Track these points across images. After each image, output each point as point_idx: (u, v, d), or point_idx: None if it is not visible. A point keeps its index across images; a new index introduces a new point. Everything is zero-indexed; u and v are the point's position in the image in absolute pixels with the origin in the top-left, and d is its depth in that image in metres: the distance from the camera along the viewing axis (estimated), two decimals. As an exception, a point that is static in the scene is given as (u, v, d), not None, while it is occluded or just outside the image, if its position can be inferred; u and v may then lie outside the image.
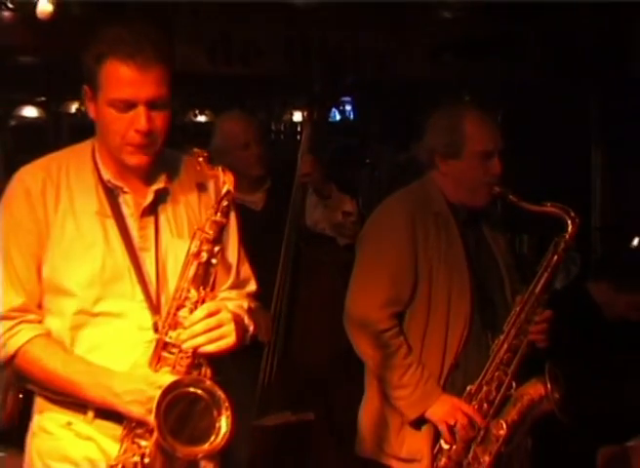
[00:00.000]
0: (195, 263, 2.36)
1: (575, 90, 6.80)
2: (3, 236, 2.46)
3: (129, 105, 2.36)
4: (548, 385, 3.14)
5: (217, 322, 2.35)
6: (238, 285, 2.65)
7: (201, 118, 8.37)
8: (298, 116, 8.36)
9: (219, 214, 2.37)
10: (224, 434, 2.29)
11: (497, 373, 3.19)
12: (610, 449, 3.89)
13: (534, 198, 3.23)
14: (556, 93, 6.72)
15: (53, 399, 2.48)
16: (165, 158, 2.52)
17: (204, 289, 2.37)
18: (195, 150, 2.43)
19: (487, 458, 3.17)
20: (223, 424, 2.29)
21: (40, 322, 2.46)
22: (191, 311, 2.35)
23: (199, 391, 2.31)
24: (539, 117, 6.65)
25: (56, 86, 7.05)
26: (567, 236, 3.19)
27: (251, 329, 2.59)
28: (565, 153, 7.00)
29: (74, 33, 5.58)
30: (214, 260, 2.36)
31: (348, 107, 8.49)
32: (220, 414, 2.30)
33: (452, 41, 6.53)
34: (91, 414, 2.43)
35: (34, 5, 5.47)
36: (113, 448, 2.39)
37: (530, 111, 6.46)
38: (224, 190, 2.37)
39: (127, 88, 2.34)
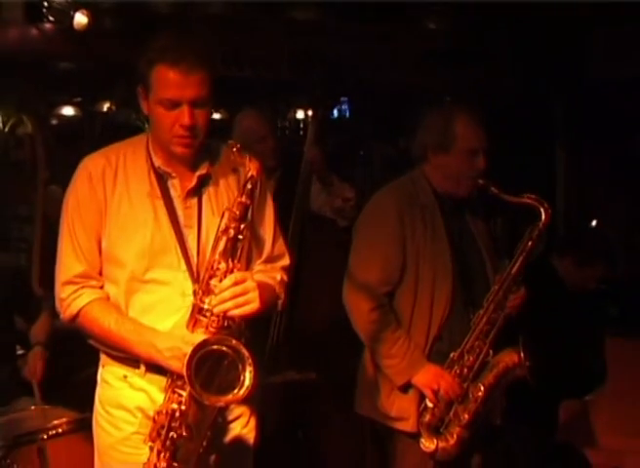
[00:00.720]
0: (224, 239, 2.44)
1: (541, 92, 6.83)
2: (68, 214, 2.56)
3: (175, 104, 2.45)
4: (522, 355, 3.21)
5: (242, 289, 2.42)
6: (272, 259, 2.73)
7: (216, 115, 8.37)
8: (300, 114, 8.35)
9: (244, 195, 2.44)
10: (247, 386, 2.36)
11: (476, 343, 3.25)
12: (570, 404, 3.95)
13: (510, 187, 3.28)
14: (525, 94, 6.76)
15: (112, 355, 2.58)
16: (208, 148, 2.61)
17: (232, 261, 2.44)
18: (230, 142, 2.52)
19: (466, 416, 3.24)
20: (247, 378, 2.36)
21: (101, 287, 2.56)
22: (221, 280, 2.42)
23: (226, 349, 2.37)
24: (510, 116, 6.68)
25: (90, 88, 7.06)
26: (540, 225, 3.26)
27: (282, 297, 2.68)
28: (533, 147, 7.04)
29: (106, 42, 5.69)
30: (240, 236, 2.44)
31: (345, 107, 8.49)
32: (244, 369, 2.36)
33: (436, 50, 6.57)
34: (143, 369, 2.53)
35: (71, 18, 5.53)
36: (162, 398, 2.48)
37: (502, 111, 6.50)
38: (249, 175, 2.46)
39: (173, 89, 2.43)
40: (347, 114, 8.55)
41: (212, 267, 2.45)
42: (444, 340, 3.31)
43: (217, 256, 2.45)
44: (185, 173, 2.59)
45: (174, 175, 2.58)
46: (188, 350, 2.35)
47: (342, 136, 8.01)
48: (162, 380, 2.49)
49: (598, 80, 6.63)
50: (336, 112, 8.46)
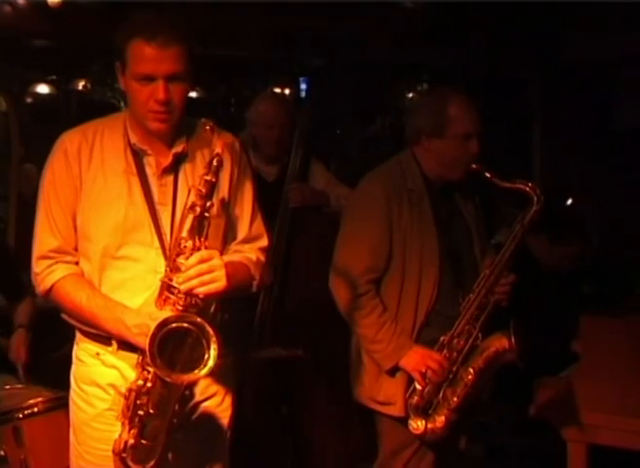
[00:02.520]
0: (191, 216, 2.42)
1: (517, 73, 6.85)
2: (45, 189, 2.56)
3: (150, 79, 2.43)
4: (513, 340, 3.21)
5: (208, 267, 2.40)
6: (250, 239, 2.71)
7: (192, 94, 8.35)
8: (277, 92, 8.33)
9: (210, 173, 2.42)
10: (210, 365, 2.35)
11: (466, 327, 3.26)
12: (545, 380, 3.98)
13: (486, 166, 3.27)
14: (502, 75, 6.78)
15: (85, 332, 2.59)
16: (185, 125, 2.59)
17: (199, 238, 2.42)
18: (203, 120, 2.49)
19: (456, 399, 3.24)
20: (211, 356, 2.35)
21: (77, 263, 2.56)
22: (188, 258, 2.40)
23: (191, 326, 2.37)
24: (487, 97, 6.71)
25: (65, 66, 7.01)
26: (532, 211, 3.27)
27: (257, 278, 2.66)
28: (510, 127, 7.07)
29: (80, 20, 5.64)
30: (207, 214, 2.42)
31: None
32: (208, 347, 2.35)
33: (413, 29, 6.56)
34: (115, 346, 2.53)
35: (46, -5, 5.49)
36: (134, 375, 2.48)
37: (479, 92, 6.52)
38: (214, 152, 2.43)
39: (148, 64, 2.41)
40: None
41: (179, 245, 2.43)
42: (433, 324, 3.32)
43: (184, 234, 2.43)
44: (162, 150, 2.58)
45: (149, 152, 2.57)
46: None
47: (320, 113, 8.00)
48: (134, 358, 2.49)
49: (572, 59, 6.66)
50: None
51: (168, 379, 2.36)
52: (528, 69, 6.91)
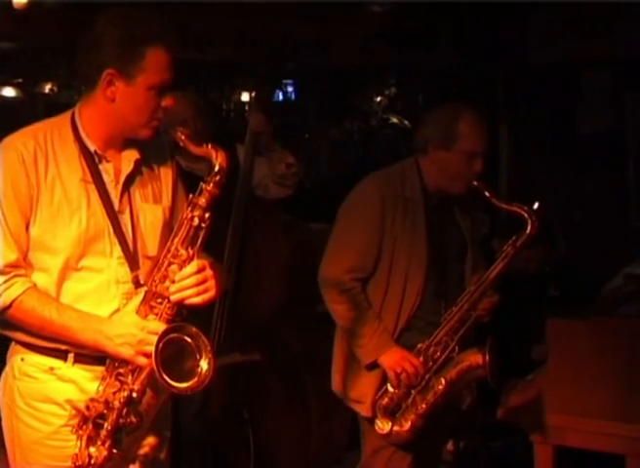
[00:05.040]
0: (188, 226, 2.40)
1: (484, 75, 6.88)
2: (1, 198, 2.42)
3: (165, 87, 2.41)
4: (487, 357, 3.23)
5: (203, 277, 2.39)
6: None
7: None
8: (245, 96, 8.30)
9: (211, 184, 2.41)
10: (206, 372, 2.36)
11: (445, 338, 3.29)
12: (512, 383, 3.99)
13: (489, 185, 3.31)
14: (468, 77, 6.80)
15: (37, 347, 2.47)
16: None
17: (192, 249, 2.41)
18: (178, 129, 2.48)
19: (424, 406, 3.28)
20: (205, 365, 2.36)
21: (28, 276, 2.44)
22: (180, 267, 2.39)
23: (187, 336, 2.37)
24: (453, 99, 6.74)
25: (31, 69, 6.95)
26: (526, 235, 3.31)
27: None
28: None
29: (47, 22, 5.58)
30: (203, 224, 2.41)
31: (290, 89, 8.48)
32: (201, 357, 2.36)
33: (380, 32, 6.57)
34: (71, 360, 2.44)
35: (11, -4, 5.42)
36: (93, 388, 2.42)
37: (445, 94, 6.54)
38: (217, 165, 2.42)
39: (168, 73, 2.40)
40: (293, 97, 8.55)
41: (171, 254, 2.41)
42: (413, 331, 3.36)
43: (177, 244, 2.41)
44: (119, 157, 2.52)
45: (109, 158, 2.50)
46: (144, 336, 2.33)
47: (288, 118, 8.00)
48: (92, 370, 2.44)
49: (539, 61, 6.71)
50: (281, 95, 8.45)
51: (174, 390, 2.35)
52: (495, 71, 6.94)
